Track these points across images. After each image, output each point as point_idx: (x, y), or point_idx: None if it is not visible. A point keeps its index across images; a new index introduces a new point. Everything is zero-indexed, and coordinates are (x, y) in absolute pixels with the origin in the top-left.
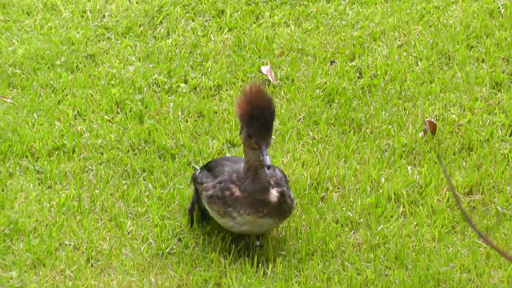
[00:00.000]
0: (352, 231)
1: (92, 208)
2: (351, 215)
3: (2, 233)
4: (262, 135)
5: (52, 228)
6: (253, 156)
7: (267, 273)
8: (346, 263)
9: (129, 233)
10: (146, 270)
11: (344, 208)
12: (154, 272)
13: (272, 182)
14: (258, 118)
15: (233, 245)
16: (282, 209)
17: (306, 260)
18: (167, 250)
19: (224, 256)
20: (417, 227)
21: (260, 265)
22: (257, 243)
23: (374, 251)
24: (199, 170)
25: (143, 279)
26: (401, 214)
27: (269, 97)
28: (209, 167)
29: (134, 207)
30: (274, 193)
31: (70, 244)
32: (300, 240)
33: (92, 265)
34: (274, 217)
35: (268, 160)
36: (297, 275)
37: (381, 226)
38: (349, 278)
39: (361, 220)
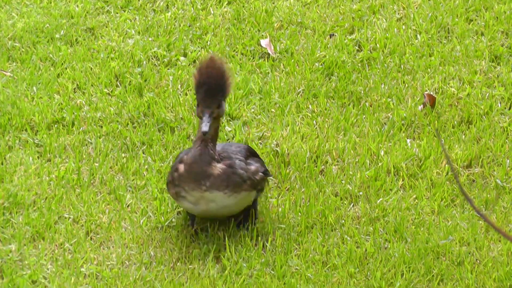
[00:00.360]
0: (352, 204)
1: (91, 181)
2: (351, 188)
3: (1, 206)
4: (206, 102)
5: (51, 201)
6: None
7: (266, 246)
8: (346, 236)
9: (128, 206)
10: (145, 243)
11: (343, 181)
12: (153, 245)
13: (217, 157)
14: (203, 85)
15: (232, 218)
16: (232, 180)
17: (305, 233)
18: (166, 223)
19: (223, 229)
20: (416, 200)
21: (259, 238)
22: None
23: (374, 224)
24: None
25: (142, 252)
26: (400, 187)
27: (219, 66)
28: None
29: (133, 180)
30: (217, 166)
31: (69, 217)
32: (299, 213)
33: (91, 238)
34: (222, 189)
35: (204, 126)
36: (296, 248)
37: (381, 199)
38: (349, 251)
39: (361, 193)
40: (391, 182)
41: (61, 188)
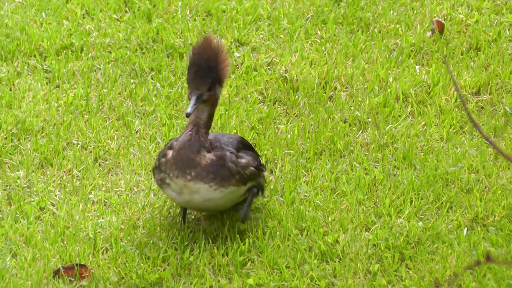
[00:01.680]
0: (360, 131)
1: (100, 107)
2: (359, 114)
3: (10, 132)
4: (194, 84)
5: (60, 128)
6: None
7: (275, 172)
8: (354, 163)
9: (136, 132)
10: None
11: (352, 108)
12: None
13: (208, 145)
14: (193, 65)
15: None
16: (219, 173)
17: (314, 159)
18: None
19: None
20: (425, 127)
21: (268, 164)
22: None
23: (382, 150)
24: None
25: (151, 178)
26: (409, 113)
27: (212, 47)
28: None
29: (142, 106)
30: (206, 155)
31: (78, 144)
32: (308, 140)
33: (99, 165)
34: (208, 181)
35: (189, 108)
36: (305, 174)
37: (389, 125)
38: (357, 178)
39: (369, 119)
40: (400, 109)
41: (70, 114)
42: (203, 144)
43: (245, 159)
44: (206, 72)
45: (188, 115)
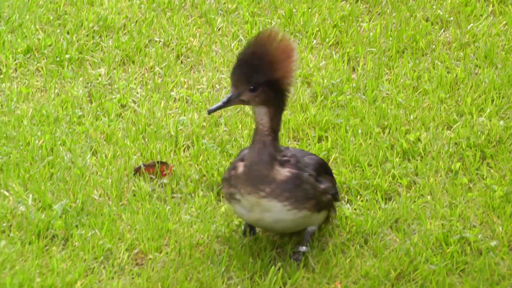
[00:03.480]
0: (442, 30)
1: (182, 5)
2: (441, 13)
3: (91, 30)
4: (232, 80)
5: (142, 25)
6: (254, 116)
7: (357, 70)
8: (436, 61)
9: (219, 29)
10: None
11: (434, 6)
12: None
13: (280, 157)
14: (237, 60)
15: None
16: (295, 193)
17: (396, 58)
18: None
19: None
20: (506, 26)
21: (350, 62)
22: (302, 248)
23: (464, 49)
24: None
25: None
26: (490, 13)
27: (265, 44)
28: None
29: (224, 3)
30: (281, 171)
31: (160, 41)
32: (390, 38)
33: (182, 62)
34: (282, 200)
35: (213, 106)
36: (387, 72)
37: (471, 24)
38: (439, 76)
39: (451, 18)
40: (482, 8)
41: (152, 11)
42: (273, 156)
43: (324, 184)
44: (249, 70)
45: (209, 112)
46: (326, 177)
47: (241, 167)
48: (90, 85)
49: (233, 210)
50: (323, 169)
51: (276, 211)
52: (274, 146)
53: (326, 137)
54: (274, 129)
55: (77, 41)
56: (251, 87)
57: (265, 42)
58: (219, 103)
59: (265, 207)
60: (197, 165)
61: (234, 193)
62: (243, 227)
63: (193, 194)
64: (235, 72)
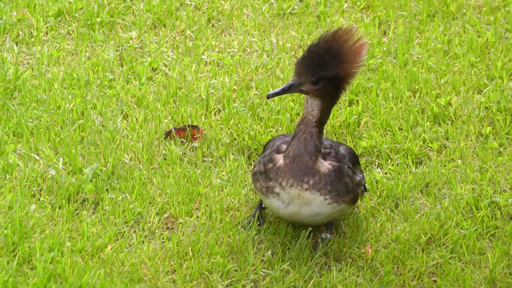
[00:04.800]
0: None
1: None
2: None
3: None
4: (297, 68)
5: None
6: (305, 104)
7: (388, 33)
8: (467, 25)
9: None
10: (267, 30)
11: None
12: (275, 33)
13: (323, 150)
14: (307, 50)
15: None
16: (337, 186)
17: (427, 21)
18: (288, 10)
19: None
20: None
21: (382, 25)
22: (324, 235)
23: (495, 13)
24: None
25: (264, 39)
26: None
27: (335, 41)
28: (263, 150)
29: None
30: (324, 163)
31: (191, 4)
32: (421, 2)
33: (213, 25)
34: (324, 193)
35: (272, 91)
36: (418, 37)
37: None
38: (470, 41)
39: None
40: None
41: None
42: (318, 148)
43: (359, 176)
44: (319, 65)
45: (267, 98)
46: (358, 167)
47: (280, 159)
48: (121, 49)
49: (267, 203)
50: (356, 159)
51: (316, 205)
52: (319, 138)
53: (357, 100)
54: (322, 122)
55: (108, 4)
56: (314, 79)
57: (341, 40)
58: (279, 89)
59: (306, 200)
60: (228, 128)
61: (273, 187)
62: (247, 219)
63: (223, 158)
64: (303, 63)
